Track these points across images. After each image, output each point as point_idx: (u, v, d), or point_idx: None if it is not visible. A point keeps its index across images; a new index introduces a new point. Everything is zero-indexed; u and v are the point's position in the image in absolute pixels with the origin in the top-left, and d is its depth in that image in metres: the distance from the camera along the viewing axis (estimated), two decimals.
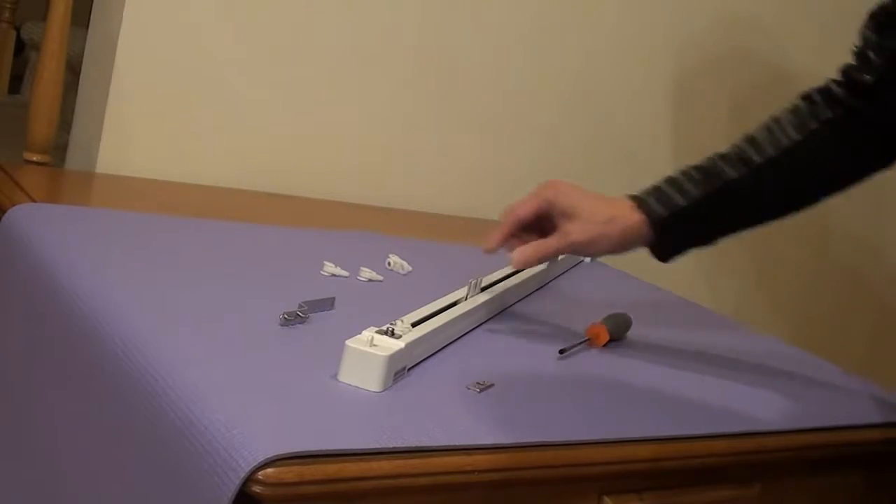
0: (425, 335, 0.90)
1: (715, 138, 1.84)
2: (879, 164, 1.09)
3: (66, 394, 0.87)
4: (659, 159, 1.91)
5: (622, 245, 1.05)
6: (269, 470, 0.66)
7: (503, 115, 1.72)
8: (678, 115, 1.93)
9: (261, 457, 0.66)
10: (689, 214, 1.04)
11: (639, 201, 1.05)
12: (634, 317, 1.15)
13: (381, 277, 1.13)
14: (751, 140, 1.07)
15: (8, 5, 2.62)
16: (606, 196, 1.07)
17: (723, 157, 1.07)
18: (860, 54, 1.07)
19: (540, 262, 1.06)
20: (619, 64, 1.83)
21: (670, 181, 1.06)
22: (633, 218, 1.04)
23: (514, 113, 1.73)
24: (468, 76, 1.66)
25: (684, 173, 1.06)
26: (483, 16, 1.64)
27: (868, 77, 1.05)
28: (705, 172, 1.05)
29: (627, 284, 1.46)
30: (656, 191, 1.06)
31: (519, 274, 1.20)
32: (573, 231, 1.03)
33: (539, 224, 1.06)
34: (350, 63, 1.53)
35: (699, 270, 2.03)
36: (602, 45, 1.79)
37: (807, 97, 1.10)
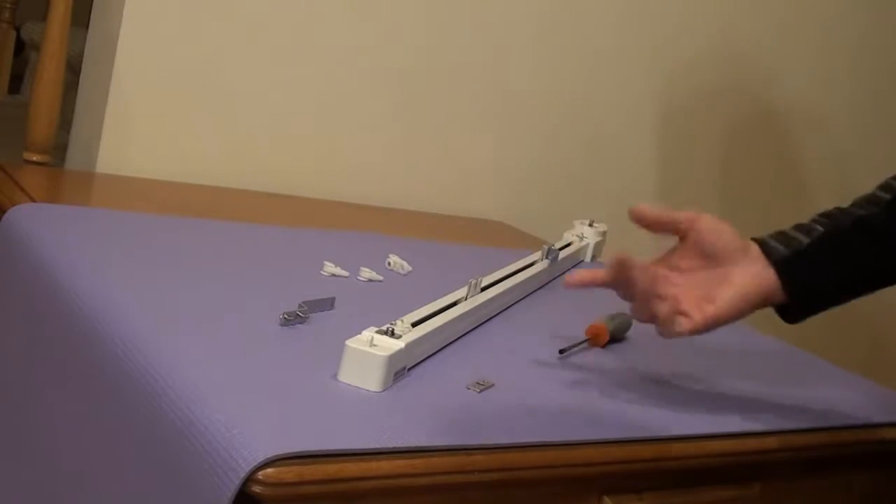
0: (425, 335, 0.90)
1: (714, 138, 1.83)
2: None
3: (66, 394, 0.87)
4: (659, 160, 1.91)
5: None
6: (269, 470, 0.66)
7: (503, 116, 1.72)
8: (679, 116, 1.93)
9: (261, 457, 0.66)
10: (812, 255, 0.94)
11: (758, 241, 0.98)
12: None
13: (381, 277, 1.13)
14: (883, 186, 1.02)
15: (8, 5, 2.62)
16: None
17: (853, 203, 1.02)
18: None
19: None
20: (621, 64, 1.82)
21: (797, 226, 1.00)
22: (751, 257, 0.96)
23: (515, 113, 1.73)
24: (469, 76, 1.66)
25: (812, 219, 1.01)
26: (484, 16, 1.64)
27: None
28: (831, 216, 1.01)
29: None
30: (780, 234, 0.99)
31: (519, 274, 1.20)
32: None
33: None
34: (350, 63, 1.53)
35: None
36: (603, 45, 1.79)
37: None
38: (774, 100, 2.06)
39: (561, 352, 1.02)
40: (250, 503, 0.66)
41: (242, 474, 0.65)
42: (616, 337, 1.11)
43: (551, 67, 1.74)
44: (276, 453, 0.66)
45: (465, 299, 1.04)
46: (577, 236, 1.47)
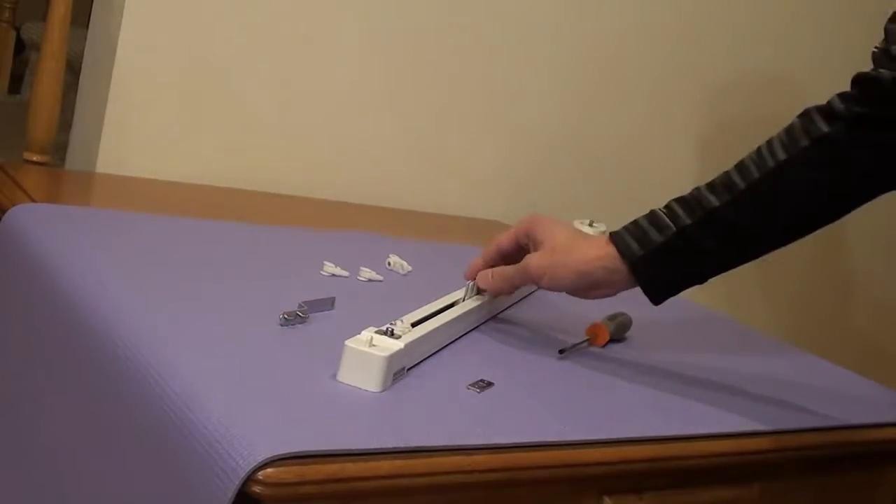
0: (425, 335, 0.90)
1: (717, 138, 1.83)
2: (881, 185, 0.98)
3: (66, 394, 0.87)
4: (659, 159, 1.91)
5: (584, 276, 0.98)
6: (269, 470, 0.66)
7: (503, 116, 1.72)
8: (679, 115, 1.93)
9: (261, 457, 0.66)
10: (668, 251, 0.95)
11: (613, 235, 0.98)
12: (634, 317, 1.15)
13: (381, 277, 1.13)
14: (739, 165, 0.98)
15: (8, 5, 2.62)
16: (588, 234, 1.04)
17: (710, 184, 0.97)
18: (885, 51, 0.92)
19: (503, 288, 1.05)
20: (620, 66, 1.83)
21: (650, 216, 0.97)
22: (600, 250, 0.98)
23: (514, 113, 1.73)
24: (469, 77, 1.66)
25: (667, 206, 0.98)
26: (485, 18, 1.64)
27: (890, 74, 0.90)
28: (687, 204, 0.96)
29: None
30: (634, 225, 0.98)
31: None
32: (531, 259, 1.01)
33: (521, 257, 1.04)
34: (351, 64, 1.53)
35: None
36: (602, 47, 1.79)
37: (804, 114, 0.97)
38: (782, 103, 2.06)
39: (561, 352, 1.02)
40: (250, 503, 0.66)
41: (242, 474, 0.65)
42: (616, 337, 1.11)
43: (550, 69, 1.74)
44: (275, 453, 0.66)
45: (465, 299, 1.04)
46: None
